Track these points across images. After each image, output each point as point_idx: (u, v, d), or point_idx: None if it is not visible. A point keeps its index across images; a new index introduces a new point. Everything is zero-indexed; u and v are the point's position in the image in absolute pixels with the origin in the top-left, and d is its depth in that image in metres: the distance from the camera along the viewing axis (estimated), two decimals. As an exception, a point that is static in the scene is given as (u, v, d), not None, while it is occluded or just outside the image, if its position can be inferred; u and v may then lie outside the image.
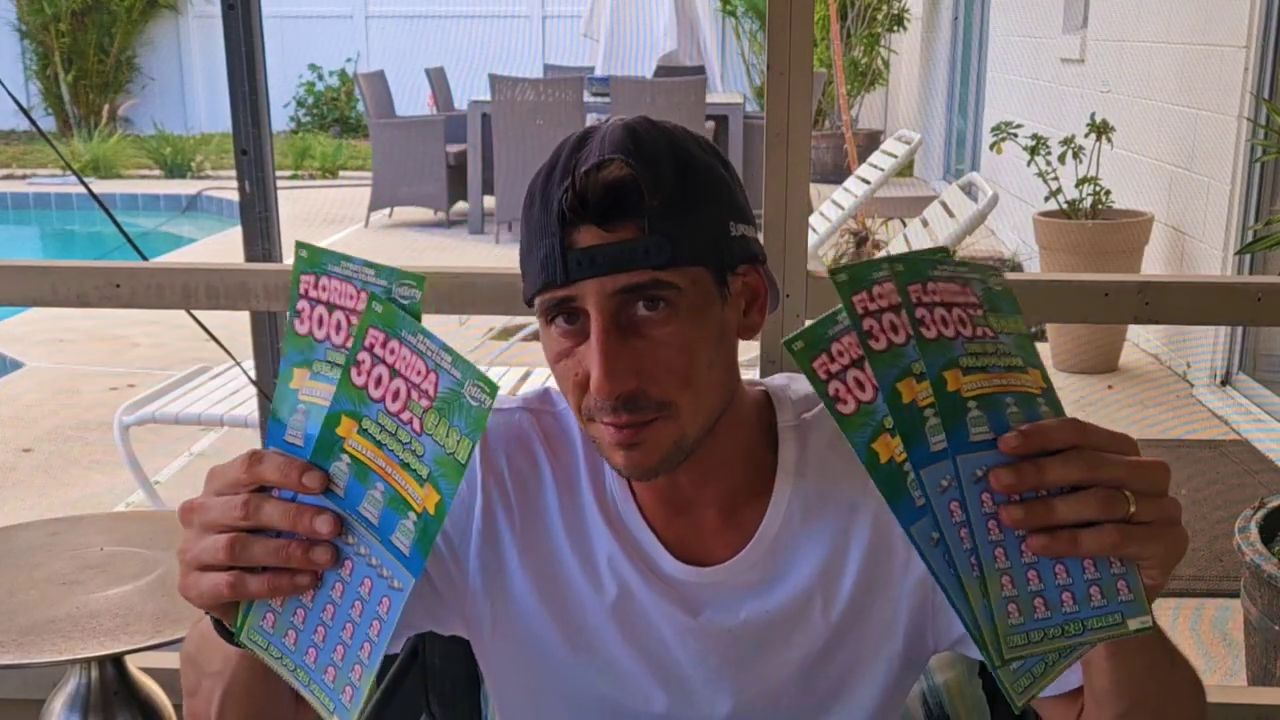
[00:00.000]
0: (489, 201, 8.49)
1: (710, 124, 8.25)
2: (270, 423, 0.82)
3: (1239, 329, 4.72)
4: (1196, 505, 3.70)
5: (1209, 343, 4.83)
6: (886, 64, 11.12)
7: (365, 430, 0.78)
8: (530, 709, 1.12)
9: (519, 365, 3.95)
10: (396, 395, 0.77)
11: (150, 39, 13.92)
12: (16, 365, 5.72)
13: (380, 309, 0.78)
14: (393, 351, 0.78)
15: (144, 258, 2.33)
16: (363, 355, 0.78)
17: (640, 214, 0.91)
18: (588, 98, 8.30)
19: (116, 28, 13.46)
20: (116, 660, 1.79)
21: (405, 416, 0.77)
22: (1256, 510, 2.58)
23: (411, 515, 0.77)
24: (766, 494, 1.05)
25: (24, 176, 11.17)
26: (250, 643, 0.85)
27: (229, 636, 0.89)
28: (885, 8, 10.69)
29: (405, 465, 0.77)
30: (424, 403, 0.77)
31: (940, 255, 0.75)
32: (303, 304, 0.82)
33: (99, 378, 5.43)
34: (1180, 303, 1.98)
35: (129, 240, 2.38)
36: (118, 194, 9.87)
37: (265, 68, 2.43)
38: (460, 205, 8.72)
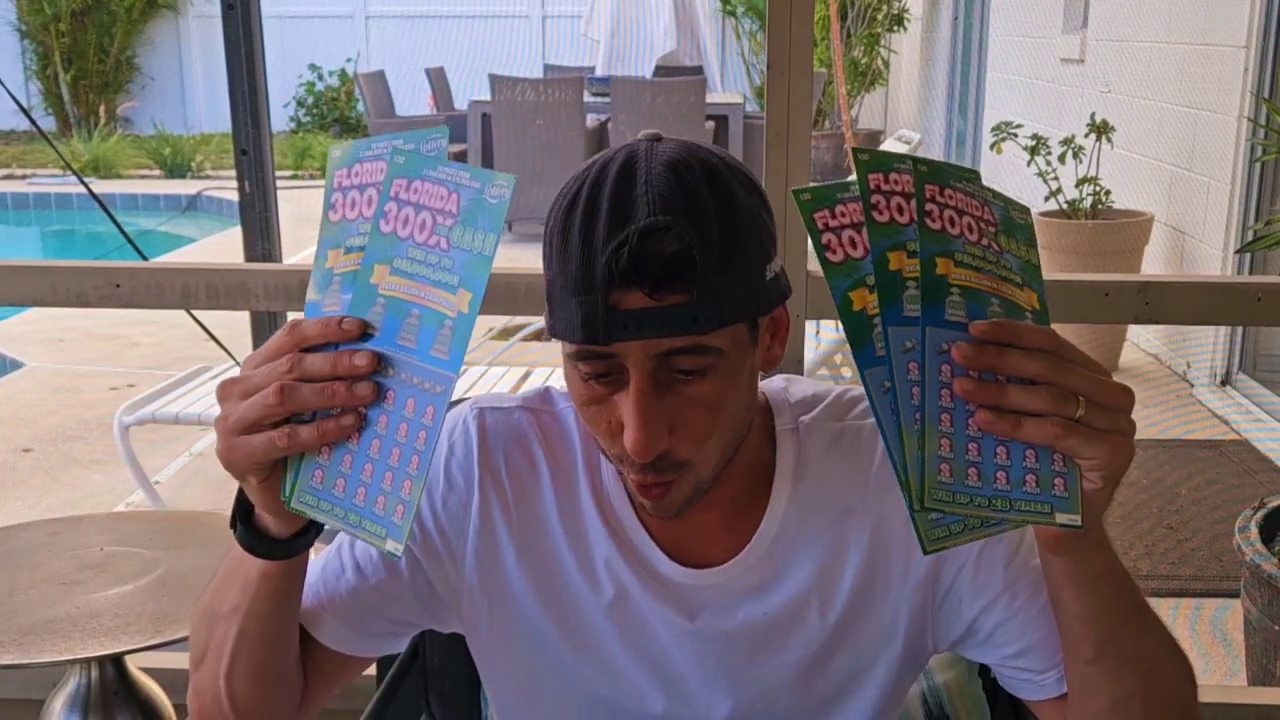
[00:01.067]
0: (489, 201, 8.48)
1: (710, 124, 8.25)
2: (306, 307, 0.87)
3: (1239, 329, 4.72)
4: (1196, 505, 3.70)
5: (1209, 343, 4.84)
6: (886, 64, 11.12)
7: (397, 269, 0.84)
8: (528, 708, 1.12)
9: (519, 365, 3.95)
10: (423, 226, 0.83)
11: (150, 39, 13.92)
12: (16, 365, 5.72)
13: (402, 159, 0.84)
14: (416, 190, 0.84)
15: (144, 258, 2.33)
16: (389, 205, 0.84)
17: (691, 281, 0.88)
18: (588, 98, 8.30)
19: (116, 28, 13.46)
20: (116, 660, 1.79)
21: (433, 241, 0.83)
22: (1256, 510, 2.58)
23: (448, 322, 0.82)
24: (764, 497, 1.05)
25: (24, 176, 11.17)
26: (301, 505, 0.87)
27: (259, 546, 0.93)
28: (885, 8, 10.68)
29: (438, 284, 0.83)
30: (448, 222, 0.83)
31: (970, 175, 0.82)
32: (336, 195, 0.87)
33: (99, 378, 5.43)
34: (1180, 303, 1.98)
35: (129, 240, 2.38)
36: (118, 194, 9.87)
37: (265, 68, 2.43)
38: (460, 205, 8.71)
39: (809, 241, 0.82)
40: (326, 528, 0.91)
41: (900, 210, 0.79)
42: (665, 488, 0.95)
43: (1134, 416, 0.82)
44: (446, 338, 0.82)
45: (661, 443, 0.92)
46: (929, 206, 0.79)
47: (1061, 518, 0.80)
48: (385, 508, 0.84)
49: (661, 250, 0.87)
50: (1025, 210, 0.84)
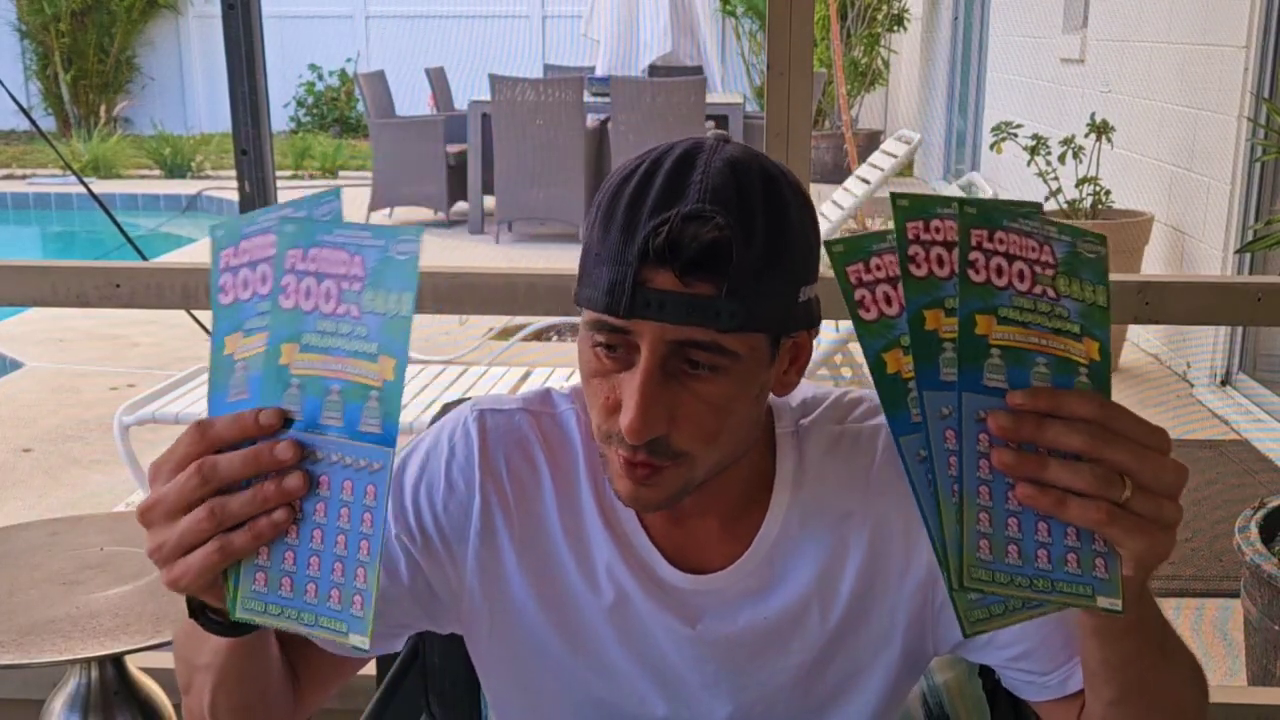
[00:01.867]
0: (489, 201, 8.49)
1: (710, 124, 8.25)
2: (210, 402, 0.80)
3: (1239, 329, 4.72)
4: (1196, 505, 3.70)
5: (1209, 343, 4.84)
6: (886, 64, 11.12)
7: (308, 345, 0.78)
8: (527, 711, 1.12)
9: (519, 365, 3.95)
10: (329, 295, 0.78)
11: (150, 39, 13.92)
12: (16, 365, 5.72)
13: (292, 228, 0.78)
14: (314, 259, 0.78)
15: (144, 258, 2.33)
16: (286, 279, 0.78)
17: (723, 275, 0.87)
18: (588, 98, 8.30)
19: (116, 28, 13.46)
20: (116, 660, 1.79)
21: (342, 310, 0.77)
22: (1256, 510, 2.58)
23: (373, 393, 0.77)
24: (764, 501, 1.05)
25: (24, 176, 11.17)
26: (247, 614, 0.82)
27: (213, 627, 0.89)
28: (885, 8, 10.69)
29: (355, 354, 0.77)
30: (356, 286, 0.77)
31: (1028, 210, 0.75)
32: (224, 276, 0.80)
33: (99, 378, 5.43)
34: (1180, 303, 1.98)
35: (129, 240, 2.38)
36: (118, 194, 9.87)
37: (265, 68, 2.43)
38: (460, 205, 8.72)
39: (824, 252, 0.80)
40: None
41: (940, 262, 0.74)
42: (653, 472, 0.93)
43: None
44: (375, 410, 0.77)
45: (656, 429, 0.91)
46: (974, 255, 0.73)
47: (1103, 601, 0.76)
48: (341, 601, 0.79)
49: (700, 235, 0.87)
50: (1098, 241, 0.76)
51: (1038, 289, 0.75)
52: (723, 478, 1.01)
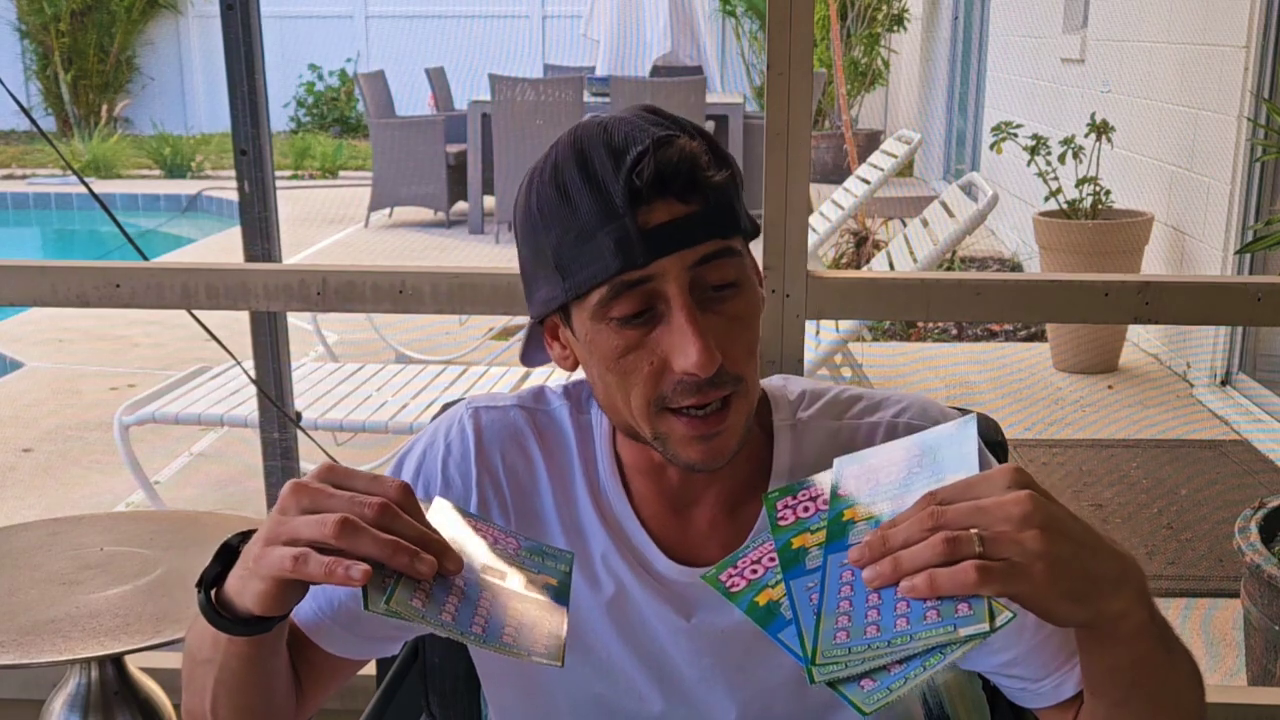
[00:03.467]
0: (489, 201, 8.49)
1: (710, 124, 8.25)
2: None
3: (1239, 329, 4.72)
4: (1196, 505, 3.70)
5: (1209, 343, 4.83)
6: (886, 64, 11.12)
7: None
8: (526, 708, 1.12)
9: (519, 365, 3.94)
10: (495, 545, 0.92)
11: (150, 39, 13.91)
12: (16, 365, 5.72)
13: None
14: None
15: (144, 258, 2.33)
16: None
17: (707, 187, 0.93)
18: (588, 98, 8.30)
19: (116, 27, 13.46)
20: (116, 660, 1.79)
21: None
22: (1256, 510, 2.58)
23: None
24: (760, 492, 1.05)
25: (24, 176, 11.17)
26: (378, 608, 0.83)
27: (218, 621, 0.89)
28: (885, 8, 10.68)
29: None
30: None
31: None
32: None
33: (99, 378, 5.43)
34: (1180, 303, 1.98)
35: (129, 240, 2.38)
36: (118, 194, 9.87)
37: (265, 68, 2.43)
38: (460, 205, 8.72)
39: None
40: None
41: (807, 509, 0.89)
42: (725, 407, 0.95)
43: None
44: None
45: (716, 356, 0.93)
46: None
47: (965, 630, 0.76)
48: (515, 641, 0.83)
49: (683, 152, 0.91)
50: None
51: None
52: (725, 467, 1.02)
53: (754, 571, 0.88)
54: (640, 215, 0.91)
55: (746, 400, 0.98)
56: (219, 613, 0.89)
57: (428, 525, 0.84)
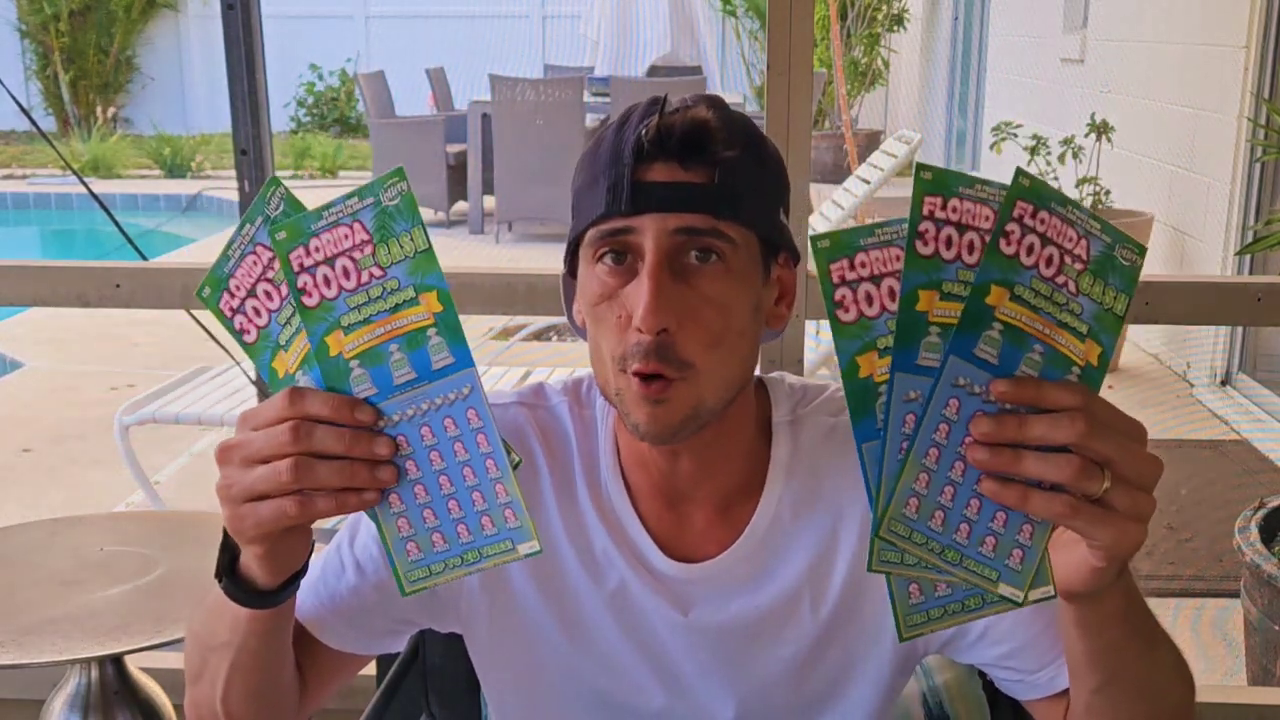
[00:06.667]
0: (489, 201, 8.49)
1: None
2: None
3: (1239, 329, 4.72)
4: (1196, 505, 3.70)
5: (1209, 343, 4.83)
6: (886, 64, 11.12)
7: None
8: (527, 706, 1.13)
9: (519, 365, 3.95)
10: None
11: (150, 39, 13.91)
12: (16, 365, 5.72)
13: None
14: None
15: (144, 258, 2.33)
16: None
17: (715, 162, 0.93)
18: (588, 98, 8.30)
19: (116, 27, 13.46)
20: (116, 660, 1.79)
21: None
22: (1256, 510, 2.58)
23: (429, 331, 0.80)
24: (758, 490, 1.05)
25: (24, 176, 11.17)
26: (417, 585, 0.83)
27: (240, 595, 0.91)
28: (885, 8, 10.69)
29: (395, 309, 0.80)
30: (368, 250, 0.79)
31: (1076, 202, 0.75)
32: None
33: (99, 378, 5.43)
34: (1180, 303, 1.98)
35: (129, 240, 2.38)
36: (118, 194, 9.87)
37: (265, 68, 2.43)
38: (460, 205, 8.72)
39: (809, 247, 0.80)
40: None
41: (948, 244, 0.73)
42: (665, 385, 0.93)
43: (1134, 417, 0.78)
44: (439, 344, 0.80)
45: (668, 318, 0.92)
46: (1011, 227, 0.73)
47: (1004, 589, 0.76)
48: (494, 524, 0.82)
49: (694, 117, 0.93)
50: (1137, 251, 0.76)
51: (1060, 279, 0.75)
52: (725, 458, 1.03)
53: (867, 299, 0.75)
54: (639, 169, 0.93)
55: (693, 390, 0.94)
56: (246, 590, 0.91)
57: (329, 408, 0.81)
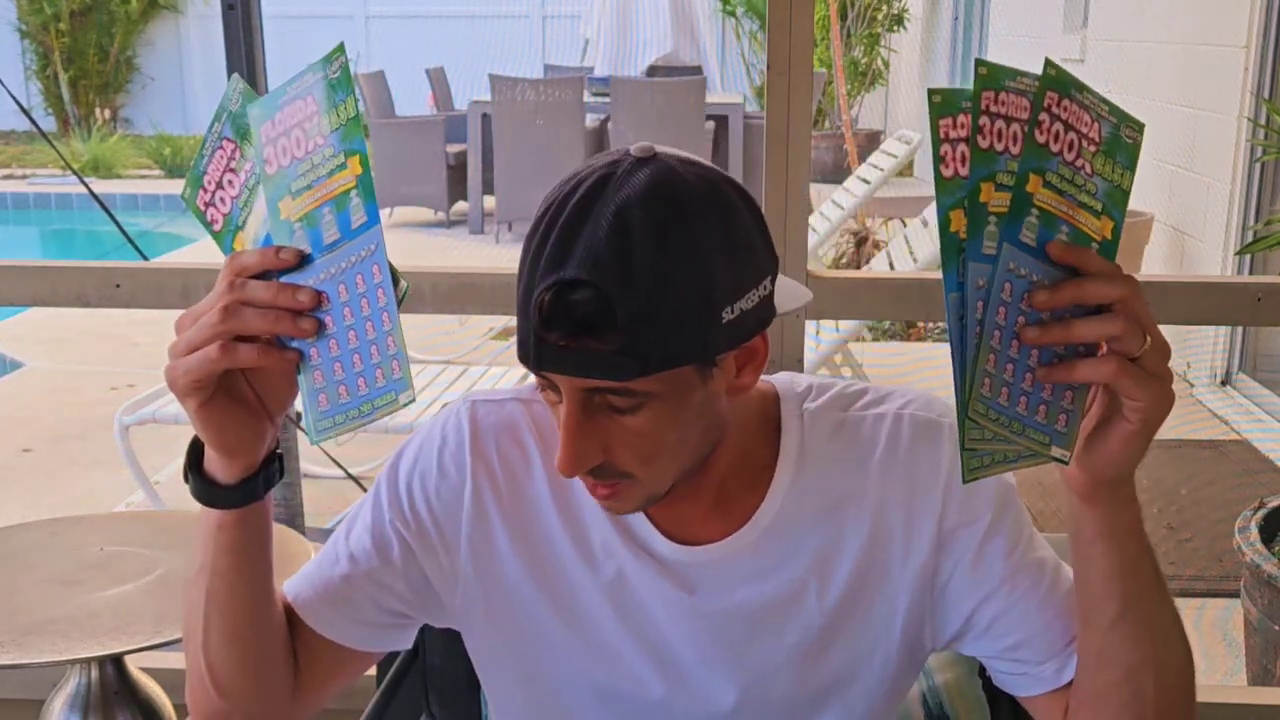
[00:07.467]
0: (489, 201, 8.50)
1: (710, 124, 8.25)
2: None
3: (1239, 329, 4.72)
4: (1196, 505, 3.70)
5: (1209, 343, 4.84)
6: (886, 64, 11.12)
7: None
8: (525, 700, 1.13)
9: (519, 365, 3.94)
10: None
11: (150, 39, 13.91)
12: (16, 365, 5.72)
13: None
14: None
15: (144, 258, 2.33)
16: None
17: (610, 331, 0.87)
18: (588, 98, 8.30)
19: (116, 28, 13.46)
20: (116, 660, 1.79)
21: (310, 145, 0.88)
22: (1256, 510, 2.58)
23: (351, 193, 0.87)
24: (764, 482, 1.06)
25: (24, 176, 11.17)
26: (324, 434, 0.90)
27: (208, 495, 0.97)
28: (885, 8, 10.69)
29: (329, 174, 0.87)
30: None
31: (1087, 87, 0.83)
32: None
33: (99, 378, 5.43)
34: (1180, 303, 1.98)
35: (129, 240, 2.39)
36: (118, 194, 9.87)
37: (265, 68, 2.43)
38: (460, 205, 8.72)
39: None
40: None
41: (1000, 136, 0.80)
42: (611, 491, 0.98)
43: None
44: (358, 205, 0.86)
45: (586, 463, 0.94)
46: (1042, 117, 0.80)
47: (1056, 450, 0.84)
48: (384, 376, 0.87)
49: (579, 304, 0.87)
50: (1138, 128, 0.85)
51: (1079, 162, 0.82)
52: (720, 465, 1.03)
53: (962, 160, 0.80)
54: (540, 330, 0.89)
55: (641, 488, 0.98)
56: (208, 484, 0.97)
57: (258, 260, 0.90)
